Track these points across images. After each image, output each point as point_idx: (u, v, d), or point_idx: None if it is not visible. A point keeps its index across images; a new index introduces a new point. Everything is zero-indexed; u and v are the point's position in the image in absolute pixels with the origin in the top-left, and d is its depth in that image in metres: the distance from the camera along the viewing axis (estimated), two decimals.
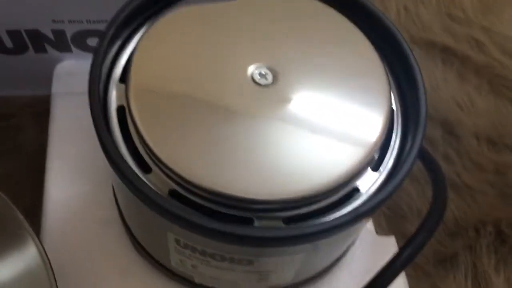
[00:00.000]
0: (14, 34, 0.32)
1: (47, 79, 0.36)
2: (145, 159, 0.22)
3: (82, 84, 0.35)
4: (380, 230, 0.36)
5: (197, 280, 0.27)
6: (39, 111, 0.37)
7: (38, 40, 0.33)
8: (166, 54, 0.24)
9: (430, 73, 0.44)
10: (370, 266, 0.30)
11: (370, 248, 0.31)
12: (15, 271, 0.22)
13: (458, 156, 0.39)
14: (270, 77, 0.23)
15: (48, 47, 0.34)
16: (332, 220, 0.21)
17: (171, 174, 0.21)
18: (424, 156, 0.29)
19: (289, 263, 0.23)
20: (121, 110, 0.23)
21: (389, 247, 0.31)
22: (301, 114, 0.23)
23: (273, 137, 0.22)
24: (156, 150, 0.21)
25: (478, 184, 0.38)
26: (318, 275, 0.28)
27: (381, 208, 0.23)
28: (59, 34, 0.33)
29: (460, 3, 0.48)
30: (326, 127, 0.23)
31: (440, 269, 0.35)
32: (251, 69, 0.23)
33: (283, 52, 0.24)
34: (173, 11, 0.25)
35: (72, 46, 0.34)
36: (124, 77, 0.24)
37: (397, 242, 0.35)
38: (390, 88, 0.24)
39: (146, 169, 0.22)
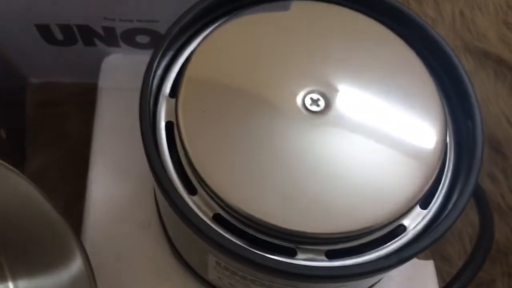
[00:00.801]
0: (64, 28, 0.32)
1: (95, 69, 0.36)
2: (191, 180, 0.22)
3: (128, 79, 0.36)
4: None
5: None
6: (86, 101, 0.38)
7: (87, 34, 0.33)
8: (216, 71, 0.23)
9: (480, 85, 0.42)
10: None
11: (408, 272, 0.30)
12: (59, 281, 0.23)
13: (504, 176, 0.38)
14: (322, 104, 0.23)
15: (97, 41, 0.34)
16: (375, 262, 0.21)
17: (215, 198, 0.21)
18: (477, 194, 0.28)
19: None
20: (169, 126, 0.23)
21: (427, 271, 0.31)
22: (351, 145, 0.22)
23: (322, 168, 0.22)
24: (201, 172, 0.21)
25: None
26: None
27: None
28: (109, 31, 0.33)
29: None
30: (376, 161, 0.22)
31: None
32: (303, 94, 0.23)
33: (337, 76, 0.24)
34: (224, 25, 0.25)
35: (121, 42, 0.34)
36: (174, 92, 0.24)
37: (436, 264, 0.34)
38: (446, 122, 0.23)
39: (192, 190, 0.22)
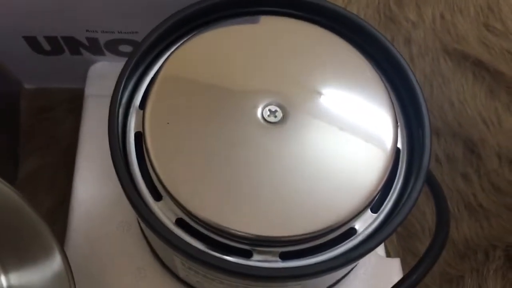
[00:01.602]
0: (51, 39, 0.34)
1: (84, 75, 0.38)
2: (157, 187, 0.24)
3: (113, 86, 0.37)
4: (391, 247, 0.37)
5: None
6: (77, 107, 0.40)
7: (73, 45, 0.35)
8: (183, 84, 0.25)
9: (458, 87, 0.43)
10: (370, 286, 0.32)
11: (374, 270, 0.32)
12: (45, 276, 0.25)
13: (477, 176, 0.39)
14: (279, 115, 0.24)
15: (83, 51, 0.36)
16: (323, 262, 0.22)
17: (177, 204, 0.23)
18: (430, 181, 0.29)
19: None
20: (139, 136, 0.25)
21: (393, 269, 0.32)
22: (306, 153, 0.24)
23: (277, 175, 0.23)
24: (164, 180, 0.23)
25: (494, 206, 0.38)
26: None
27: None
28: (93, 41, 0.34)
29: (500, 13, 0.47)
30: (329, 168, 0.24)
31: None
32: (262, 106, 0.24)
33: (295, 89, 0.25)
34: (193, 39, 0.26)
35: (105, 51, 0.36)
36: (143, 104, 0.26)
37: (407, 260, 0.36)
38: (398, 131, 0.25)
39: (157, 197, 0.24)
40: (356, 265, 0.31)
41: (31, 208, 0.26)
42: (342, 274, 0.30)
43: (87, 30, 0.33)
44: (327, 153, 0.24)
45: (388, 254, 0.36)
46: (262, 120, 0.24)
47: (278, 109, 0.25)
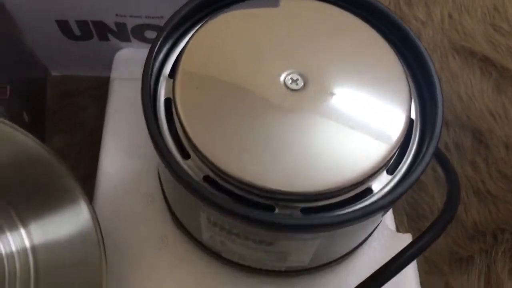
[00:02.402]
0: (81, 24, 0.36)
1: (109, 63, 0.40)
2: (185, 146, 0.26)
3: (138, 71, 0.40)
4: (401, 227, 0.38)
5: (224, 255, 0.30)
6: (100, 94, 0.42)
7: (102, 30, 0.37)
8: (209, 56, 0.27)
9: (466, 81, 0.45)
10: (384, 258, 0.33)
11: (387, 243, 0.33)
12: (69, 231, 0.26)
13: (485, 164, 0.41)
14: (300, 83, 0.26)
15: (110, 36, 0.38)
16: (342, 214, 0.24)
17: (205, 161, 0.24)
18: (442, 160, 0.31)
19: (305, 248, 0.26)
20: (168, 102, 0.27)
21: (404, 243, 0.33)
22: (326, 116, 0.25)
23: (299, 135, 0.25)
24: (193, 138, 0.25)
25: (501, 192, 0.40)
26: (335, 262, 0.31)
27: (389, 208, 0.26)
28: (121, 26, 0.36)
29: (506, 14, 0.48)
30: (348, 130, 0.25)
31: (454, 269, 0.37)
32: (284, 75, 0.26)
33: (315, 60, 0.27)
34: (218, 17, 0.28)
35: (131, 37, 0.38)
36: (172, 73, 0.27)
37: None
38: (411, 99, 0.27)
39: (185, 155, 0.25)
40: (369, 237, 0.33)
41: (60, 163, 0.28)
42: (357, 243, 0.31)
43: (116, 15, 0.35)
44: (345, 118, 0.26)
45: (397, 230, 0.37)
46: (284, 87, 0.26)
47: (299, 77, 0.26)
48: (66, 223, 0.27)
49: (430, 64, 0.28)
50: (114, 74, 0.39)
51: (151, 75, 0.27)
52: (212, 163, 0.24)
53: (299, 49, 0.27)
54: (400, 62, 0.28)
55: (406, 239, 0.34)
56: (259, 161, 0.24)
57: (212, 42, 0.27)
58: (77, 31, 0.37)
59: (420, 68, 0.28)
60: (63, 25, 0.36)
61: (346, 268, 0.33)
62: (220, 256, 0.31)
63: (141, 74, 0.38)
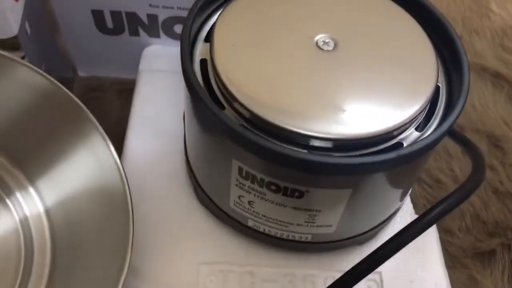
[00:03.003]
0: (115, 15, 0.38)
1: (134, 65, 0.41)
2: (220, 99, 0.26)
3: (165, 64, 0.41)
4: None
5: (249, 223, 0.30)
6: (124, 89, 0.43)
7: (133, 22, 0.39)
8: (244, 21, 0.28)
9: (480, 93, 0.46)
10: (408, 246, 0.33)
11: (411, 218, 0.33)
12: (88, 187, 0.26)
13: (502, 167, 0.41)
14: (332, 45, 0.27)
15: (141, 31, 0.40)
16: (376, 157, 0.24)
17: (241, 110, 0.25)
18: (463, 140, 0.31)
19: (335, 204, 0.26)
20: (203, 62, 0.28)
21: (428, 232, 0.33)
22: (357, 73, 0.26)
23: (331, 89, 0.26)
24: (230, 87, 0.25)
25: None
26: (359, 237, 0.31)
27: (420, 158, 0.26)
28: (153, 19, 0.38)
29: None
30: (378, 89, 0.26)
31: (477, 263, 0.36)
32: (316, 37, 0.27)
33: (346, 28, 0.28)
34: None
35: (161, 32, 0.40)
36: (208, 38, 0.29)
37: (439, 235, 0.37)
38: (438, 66, 0.28)
39: (221, 106, 0.26)
40: (392, 219, 0.33)
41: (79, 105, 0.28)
42: (381, 215, 0.31)
43: (150, 5, 0.37)
44: (376, 78, 0.26)
45: None
46: (316, 47, 0.27)
47: (330, 40, 0.28)
48: (85, 177, 0.27)
49: (456, 38, 0.29)
50: (142, 66, 0.40)
51: (189, 37, 0.28)
52: (248, 110, 0.25)
53: (332, 17, 0.29)
54: (427, 36, 0.29)
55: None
56: (294, 108, 0.25)
57: (247, 9, 0.29)
58: (110, 23, 0.39)
59: (446, 43, 0.29)
60: (98, 16, 0.38)
61: (370, 248, 0.32)
62: (245, 226, 0.30)
63: (168, 67, 0.40)
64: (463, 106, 0.27)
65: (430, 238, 0.34)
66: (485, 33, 0.52)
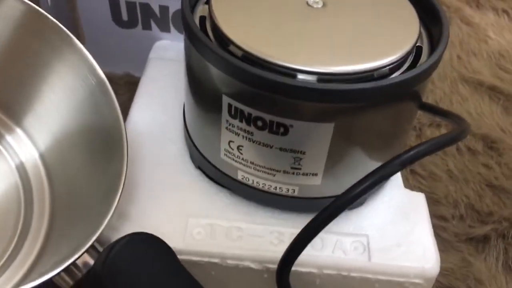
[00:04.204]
0: (130, 6, 0.41)
1: (145, 61, 0.44)
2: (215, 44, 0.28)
3: (174, 55, 0.44)
4: None
5: (240, 175, 0.31)
6: (134, 82, 0.45)
7: (147, 14, 0.42)
8: None
9: (476, 104, 0.48)
10: (395, 211, 0.33)
11: (398, 198, 0.34)
12: (80, 122, 0.28)
13: (497, 165, 0.42)
14: (321, 3, 0.30)
15: (153, 25, 0.43)
16: (353, 84, 0.25)
17: (234, 50, 0.27)
18: (440, 111, 0.32)
19: (318, 142, 0.27)
20: (202, 19, 0.30)
21: (417, 201, 0.34)
22: (345, 25, 0.29)
23: (320, 36, 0.28)
24: (224, 29, 0.28)
25: None
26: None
27: (398, 102, 0.27)
28: (164, 10, 0.42)
29: (510, 58, 0.53)
30: (362, 37, 0.28)
31: (470, 247, 0.36)
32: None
33: None
34: None
35: (171, 26, 0.43)
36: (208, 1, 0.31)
37: (432, 221, 0.37)
38: (420, 24, 0.30)
39: None
40: (381, 192, 0.33)
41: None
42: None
43: None
44: (361, 29, 0.29)
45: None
46: (307, 6, 0.30)
47: (319, 0, 0.30)
48: (77, 115, 0.29)
49: (439, 7, 0.31)
50: (152, 55, 0.43)
51: None
52: (240, 48, 0.27)
53: None
54: (412, 7, 0.31)
55: (419, 197, 0.34)
56: (283, 48, 0.27)
57: None
58: (125, 15, 0.42)
59: (430, 14, 0.31)
60: (114, 7, 0.42)
61: (358, 215, 0.33)
62: (234, 180, 0.31)
63: (176, 57, 0.43)
64: (440, 54, 0.28)
65: (418, 204, 0.34)
66: (482, 54, 0.54)
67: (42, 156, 0.34)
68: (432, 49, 0.30)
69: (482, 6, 0.60)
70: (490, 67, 0.52)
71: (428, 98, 0.48)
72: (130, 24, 0.43)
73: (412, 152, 0.26)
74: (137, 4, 0.42)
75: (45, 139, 0.34)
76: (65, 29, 0.31)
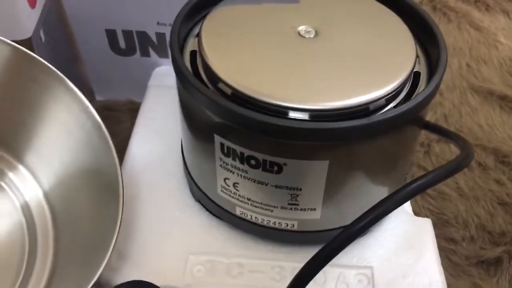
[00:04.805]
0: (127, 35, 0.41)
1: (146, 87, 0.44)
2: (206, 82, 0.28)
3: (173, 81, 0.43)
4: None
5: (238, 211, 0.30)
6: (135, 108, 0.45)
7: (144, 42, 0.42)
8: (232, 16, 0.30)
9: (486, 114, 0.46)
10: (400, 240, 0.32)
11: (403, 226, 0.33)
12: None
13: (509, 181, 0.40)
14: (313, 33, 0.29)
15: (151, 52, 0.43)
16: (344, 122, 0.25)
17: (223, 88, 0.27)
18: (443, 131, 0.31)
19: (314, 179, 0.27)
20: (193, 54, 0.30)
21: (424, 228, 0.33)
22: (337, 55, 0.28)
23: (312, 68, 0.27)
24: (213, 67, 0.27)
25: None
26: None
27: (393, 135, 0.26)
28: (161, 37, 0.41)
29: None
30: (354, 68, 0.27)
31: (482, 272, 0.35)
32: (299, 28, 0.29)
33: (327, 18, 0.30)
34: None
35: (169, 52, 0.42)
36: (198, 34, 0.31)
37: (441, 243, 0.36)
38: (416, 50, 0.29)
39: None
40: (385, 220, 0.32)
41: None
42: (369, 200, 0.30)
43: (157, 23, 0.40)
44: (354, 59, 0.28)
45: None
46: (298, 36, 0.29)
47: (312, 29, 0.29)
48: (76, 156, 0.29)
49: (433, 25, 0.30)
50: (151, 83, 0.43)
51: (178, 32, 0.30)
52: (230, 86, 0.26)
53: (314, 10, 0.30)
54: (405, 25, 0.30)
55: (425, 223, 0.33)
56: (273, 84, 0.26)
57: (234, 7, 0.31)
58: (122, 44, 0.42)
59: (423, 29, 0.30)
60: (111, 36, 0.41)
61: (362, 245, 0.32)
62: (233, 215, 0.31)
63: (175, 84, 0.42)
64: (439, 81, 0.27)
65: (425, 231, 0.33)
66: (493, 61, 0.52)
67: (46, 195, 0.34)
68: (431, 71, 0.29)
69: (491, 9, 0.59)
70: (501, 74, 0.50)
71: (437, 111, 0.47)
72: (129, 51, 0.43)
73: (419, 183, 0.25)
74: (134, 33, 0.41)
75: (48, 178, 0.34)
76: (55, 69, 0.31)
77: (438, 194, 0.40)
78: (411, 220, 0.33)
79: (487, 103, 0.48)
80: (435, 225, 0.37)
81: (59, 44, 0.41)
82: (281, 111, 0.25)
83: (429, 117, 0.46)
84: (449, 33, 0.55)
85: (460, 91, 0.49)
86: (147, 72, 0.44)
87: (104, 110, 0.46)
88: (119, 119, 0.45)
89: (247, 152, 0.27)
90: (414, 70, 0.29)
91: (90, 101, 0.47)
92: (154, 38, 0.42)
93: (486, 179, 0.41)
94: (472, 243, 0.36)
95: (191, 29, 0.32)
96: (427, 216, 0.38)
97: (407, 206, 0.34)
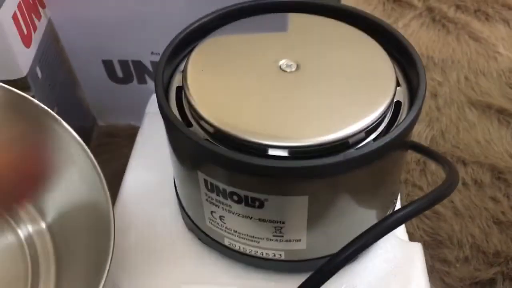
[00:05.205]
0: (123, 64, 0.42)
1: (143, 112, 0.45)
2: (190, 119, 0.29)
3: None
4: None
5: (226, 241, 0.31)
6: (135, 133, 0.46)
7: (140, 70, 0.43)
8: (216, 52, 0.31)
9: (484, 129, 0.46)
10: (389, 266, 0.32)
11: (393, 251, 0.33)
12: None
13: (505, 198, 0.40)
14: (294, 67, 0.29)
15: (148, 79, 0.44)
16: (320, 159, 0.25)
17: (205, 126, 0.27)
18: (429, 153, 0.31)
19: (295, 213, 0.27)
20: (179, 90, 0.31)
21: (414, 252, 0.33)
22: (317, 89, 0.28)
23: (292, 104, 0.27)
24: (195, 105, 0.28)
25: None
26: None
27: (371, 167, 0.27)
28: (156, 66, 0.42)
29: None
30: (334, 102, 0.28)
31: None
32: (280, 62, 0.30)
33: (308, 52, 0.30)
34: (225, 27, 0.33)
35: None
36: (183, 70, 0.32)
37: (436, 265, 0.36)
38: (396, 82, 0.29)
39: (188, 124, 0.28)
40: (375, 246, 0.32)
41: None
42: (352, 229, 0.31)
43: (152, 53, 0.41)
44: (334, 92, 0.28)
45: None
46: (279, 70, 0.29)
47: (293, 63, 0.30)
48: (73, 192, 0.30)
49: (416, 58, 0.30)
50: (148, 110, 0.44)
51: (163, 71, 0.31)
52: (211, 124, 0.27)
53: (295, 44, 0.31)
54: (390, 58, 0.30)
55: (415, 247, 0.33)
56: (253, 122, 0.27)
57: (219, 43, 0.32)
58: (119, 72, 0.43)
59: (406, 59, 0.30)
60: (108, 66, 0.43)
61: (352, 271, 0.32)
62: (222, 245, 0.31)
63: None
64: (418, 111, 0.27)
65: (415, 256, 0.33)
66: (492, 73, 0.52)
67: (49, 229, 0.35)
68: (412, 99, 0.29)
69: (491, 18, 0.58)
70: (500, 87, 0.50)
71: (434, 127, 0.47)
72: (126, 80, 0.44)
73: (406, 211, 0.26)
74: (130, 62, 0.42)
75: (50, 212, 0.35)
76: (49, 109, 0.32)
77: (433, 213, 0.40)
78: (401, 244, 0.33)
79: (485, 117, 0.47)
80: (430, 246, 0.37)
81: (57, 76, 0.42)
82: (261, 149, 0.26)
83: (426, 133, 0.46)
84: (448, 45, 0.55)
85: (458, 106, 0.49)
86: (145, 98, 0.45)
87: (106, 136, 0.47)
88: (119, 144, 0.47)
89: (229, 189, 0.27)
90: (395, 100, 0.29)
91: (92, 126, 0.49)
92: (149, 67, 0.43)
93: (482, 197, 0.41)
94: (466, 264, 0.37)
95: (178, 64, 0.33)
96: (422, 237, 0.38)
97: (399, 228, 0.34)
